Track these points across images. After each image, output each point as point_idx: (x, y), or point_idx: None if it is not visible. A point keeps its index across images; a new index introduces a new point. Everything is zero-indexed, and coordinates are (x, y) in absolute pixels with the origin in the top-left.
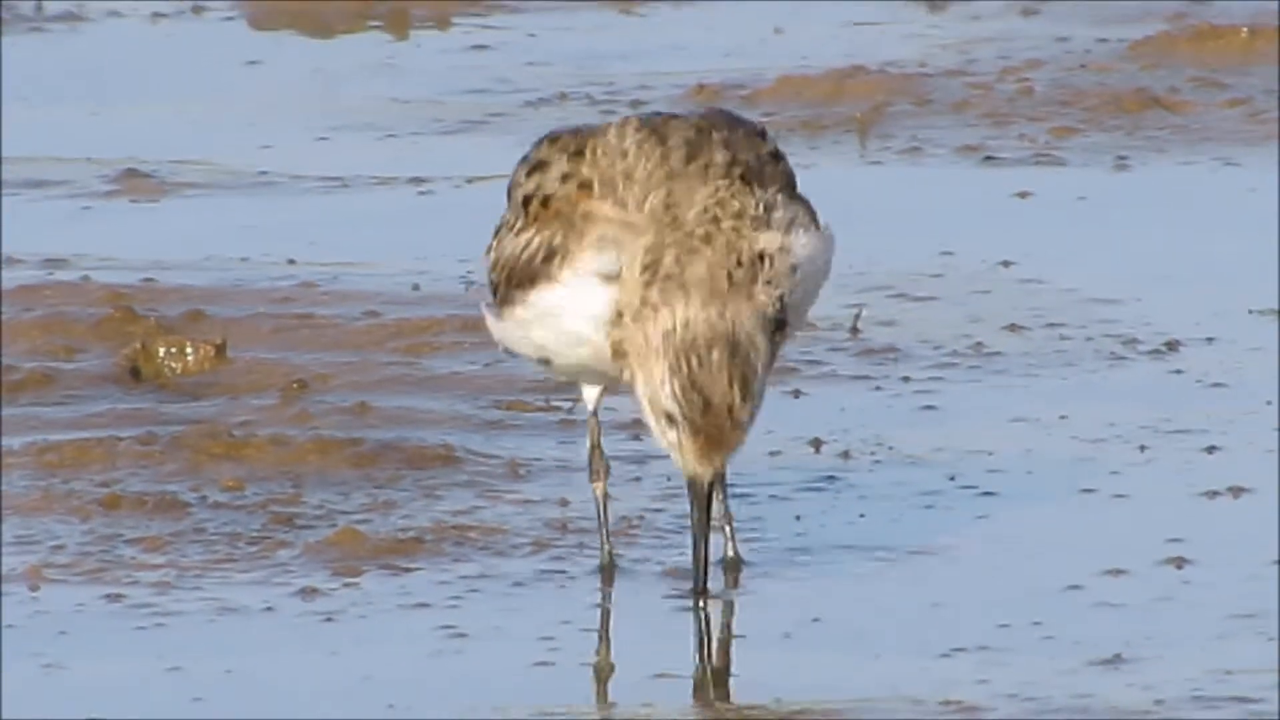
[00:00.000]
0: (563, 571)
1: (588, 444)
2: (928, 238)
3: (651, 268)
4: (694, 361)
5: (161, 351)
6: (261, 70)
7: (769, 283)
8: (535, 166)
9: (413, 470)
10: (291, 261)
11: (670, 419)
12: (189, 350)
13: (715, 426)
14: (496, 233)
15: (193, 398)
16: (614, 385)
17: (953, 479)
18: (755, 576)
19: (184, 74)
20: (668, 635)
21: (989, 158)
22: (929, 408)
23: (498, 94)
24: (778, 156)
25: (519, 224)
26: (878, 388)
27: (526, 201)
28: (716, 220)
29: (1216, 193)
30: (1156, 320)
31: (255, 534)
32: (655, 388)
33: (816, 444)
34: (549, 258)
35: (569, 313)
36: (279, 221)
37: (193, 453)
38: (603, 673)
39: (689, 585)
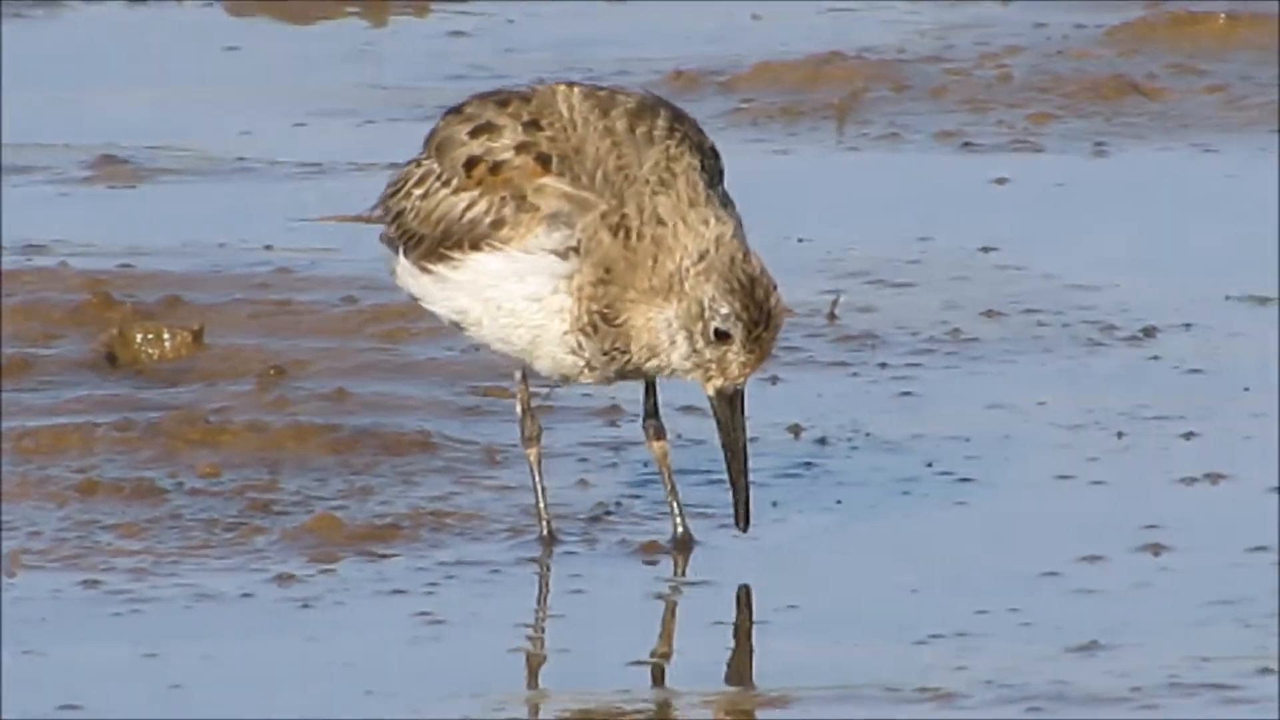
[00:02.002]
0: (540, 557)
1: (517, 409)
2: (905, 224)
3: (621, 223)
4: (742, 276)
5: (139, 337)
6: (239, 56)
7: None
8: (483, 129)
9: (390, 456)
10: (269, 247)
11: (722, 336)
12: (166, 336)
13: (771, 336)
14: (418, 181)
15: (170, 384)
16: (531, 365)
17: (930, 465)
18: (731, 563)
19: (162, 60)
20: (644, 621)
21: (967, 144)
22: (907, 394)
23: (476, 80)
24: (715, 151)
25: (455, 182)
26: (855, 374)
27: (471, 164)
28: (671, 169)
29: (1194, 179)
30: (1134, 306)
31: (232, 520)
32: (700, 312)
33: (795, 430)
34: (497, 224)
35: (510, 287)
36: (257, 207)
37: (169, 439)
38: (579, 658)
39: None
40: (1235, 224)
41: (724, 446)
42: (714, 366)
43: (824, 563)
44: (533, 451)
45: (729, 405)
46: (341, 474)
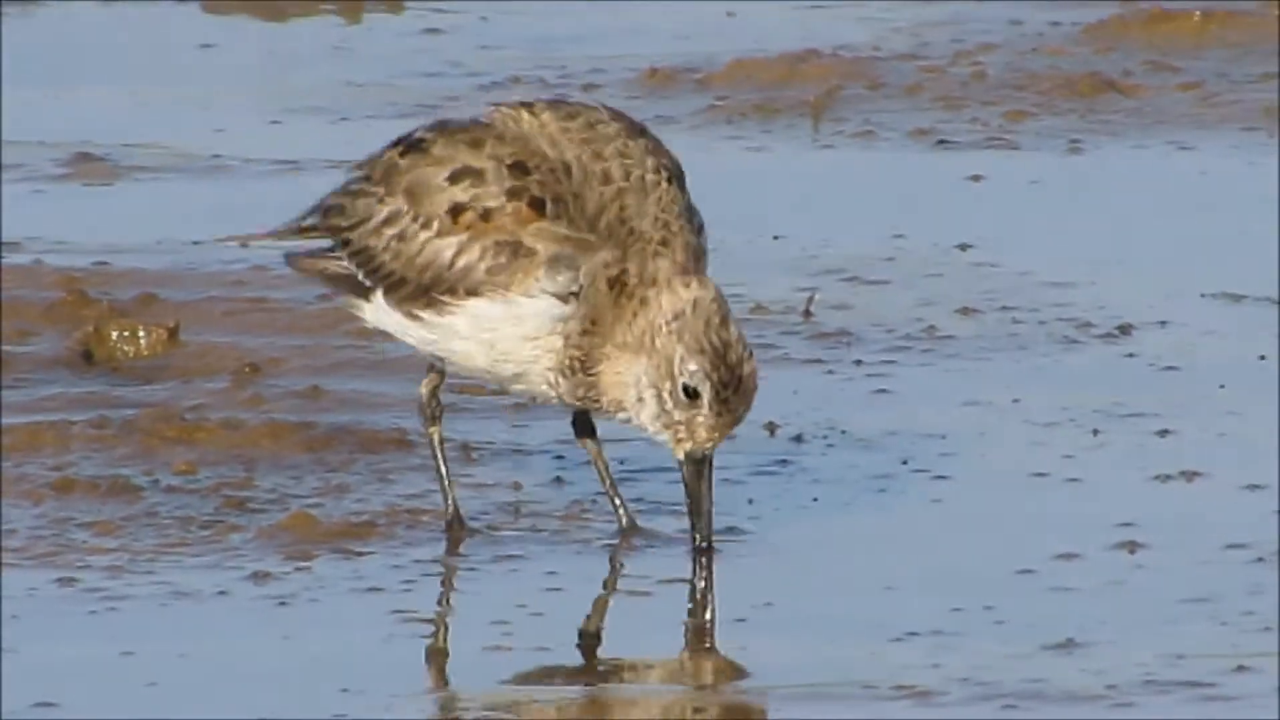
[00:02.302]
0: (515, 554)
1: (424, 390)
2: (880, 221)
3: (620, 278)
4: (715, 340)
5: (114, 335)
6: (215, 54)
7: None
8: (463, 174)
9: (365, 454)
10: (244, 245)
11: (692, 395)
12: (141, 334)
13: (742, 401)
14: (387, 220)
15: (145, 381)
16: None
17: (905, 462)
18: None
19: (137, 57)
20: (620, 619)
21: (942, 141)
22: (882, 391)
23: (451, 77)
24: (681, 169)
25: (438, 225)
26: (830, 371)
27: (457, 211)
28: (668, 226)
29: (1169, 176)
30: (1109, 304)
31: (208, 518)
32: (669, 370)
33: (770, 427)
34: (494, 271)
35: (507, 330)
36: (232, 205)
37: (145, 436)
38: (555, 656)
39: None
40: (1210, 221)
41: (689, 511)
42: (683, 428)
43: (799, 560)
44: (435, 431)
45: (696, 470)
46: (317, 471)
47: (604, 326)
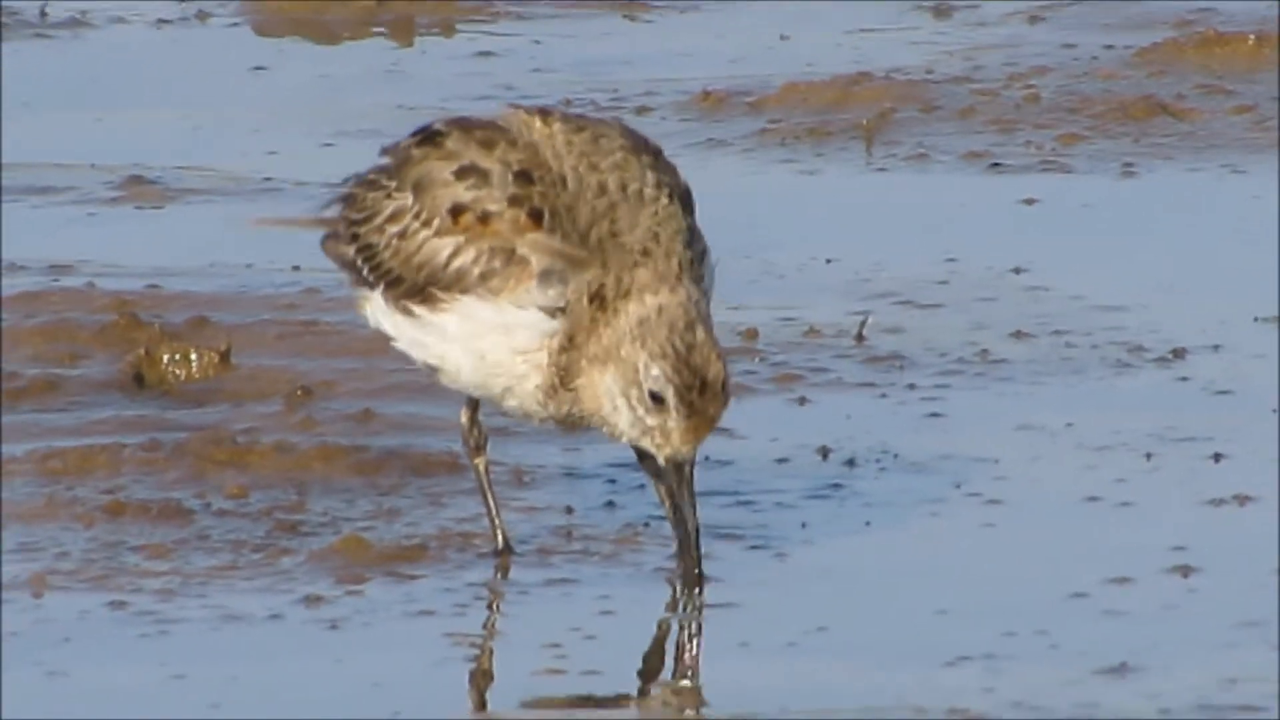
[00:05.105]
0: (568, 579)
1: (464, 420)
2: (933, 245)
3: (599, 292)
4: (678, 343)
5: (165, 358)
6: (266, 77)
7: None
8: (468, 171)
9: (417, 477)
10: (296, 268)
11: (658, 401)
12: (193, 357)
13: (711, 402)
14: (391, 216)
15: (197, 404)
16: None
17: (958, 486)
18: (760, 585)
19: (189, 80)
20: (672, 643)
21: (995, 164)
22: (935, 415)
23: (502, 100)
24: (689, 190)
25: (438, 224)
26: (883, 395)
27: (457, 211)
28: (656, 237)
29: (1223, 200)
30: (1163, 328)
31: (259, 541)
32: (635, 377)
33: (823, 452)
34: (486, 275)
35: (497, 339)
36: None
37: (196, 459)
38: (608, 680)
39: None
40: (1263, 245)
41: (671, 520)
42: (658, 434)
43: (852, 584)
44: (480, 461)
45: (678, 475)
46: (369, 495)
47: (580, 340)
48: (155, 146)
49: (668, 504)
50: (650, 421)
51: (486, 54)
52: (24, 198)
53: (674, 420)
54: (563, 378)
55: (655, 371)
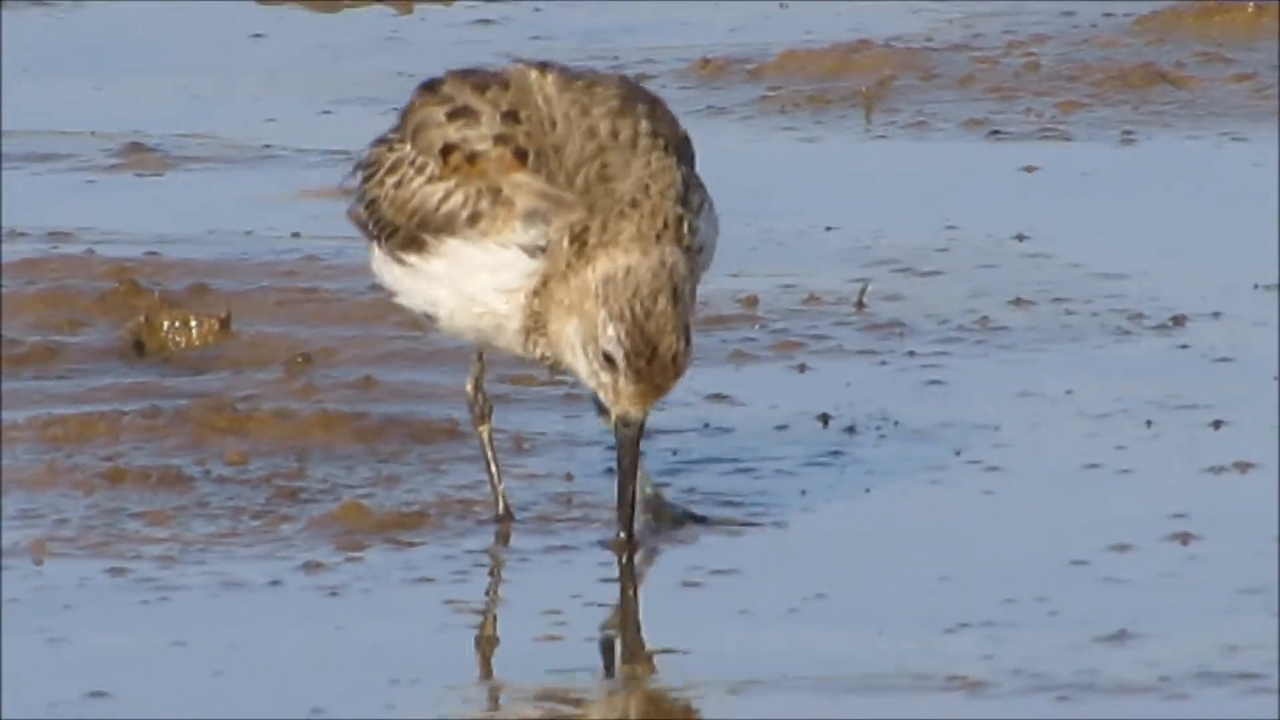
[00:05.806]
0: (568, 545)
1: (469, 387)
2: (933, 212)
3: (581, 236)
4: (638, 308)
5: (165, 325)
6: (266, 44)
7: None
8: (460, 112)
9: (417, 444)
10: (296, 235)
11: (610, 361)
12: (193, 324)
13: (659, 373)
14: (391, 168)
15: (197, 371)
16: (493, 350)
17: (958, 454)
18: (760, 551)
19: (188, 47)
20: (674, 609)
21: (995, 132)
22: (935, 382)
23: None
24: (687, 139)
25: (431, 169)
26: (883, 362)
27: (447, 150)
28: (647, 189)
29: (1222, 167)
30: (1162, 295)
31: (259, 508)
32: (593, 331)
33: (824, 419)
34: (473, 219)
35: (484, 279)
36: (283, 195)
37: (196, 427)
38: (608, 647)
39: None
40: (1263, 212)
41: (617, 471)
42: (609, 391)
43: (852, 551)
44: (484, 429)
45: (625, 433)
46: (369, 462)
47: (553, 285)
48: (155, 114)
49: (617, 459)
50: (604, 378)
51: (486, 21)
52: (24, 165)
53: (622, 382)
54: (536, 320)
55: (610, 332)
